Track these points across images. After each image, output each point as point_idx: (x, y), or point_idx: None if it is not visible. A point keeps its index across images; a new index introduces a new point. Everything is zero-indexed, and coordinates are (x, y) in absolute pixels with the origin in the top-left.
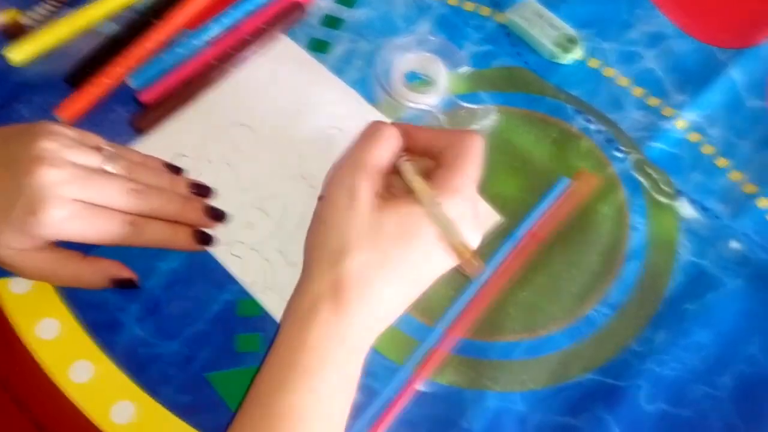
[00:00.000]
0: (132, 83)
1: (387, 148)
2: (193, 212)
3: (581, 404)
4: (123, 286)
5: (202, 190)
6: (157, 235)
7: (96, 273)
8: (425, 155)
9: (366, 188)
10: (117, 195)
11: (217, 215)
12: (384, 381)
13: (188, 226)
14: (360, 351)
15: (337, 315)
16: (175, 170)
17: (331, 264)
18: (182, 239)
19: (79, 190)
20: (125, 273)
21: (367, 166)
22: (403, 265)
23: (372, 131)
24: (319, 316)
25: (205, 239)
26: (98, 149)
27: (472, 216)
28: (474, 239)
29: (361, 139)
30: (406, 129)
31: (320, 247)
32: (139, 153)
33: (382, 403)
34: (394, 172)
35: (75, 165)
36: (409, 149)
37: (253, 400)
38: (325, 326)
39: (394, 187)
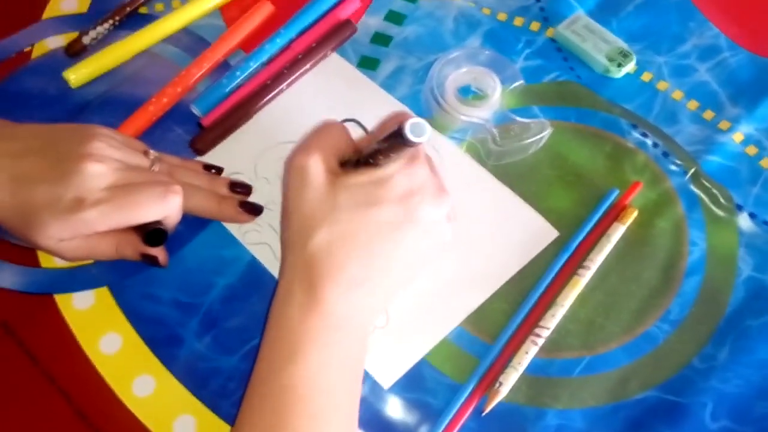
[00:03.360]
0: (196, 110)
1: (333, 134)
2: (228, 209)
3: (642, 422)
4: (150, 261)
5: (241, 189)
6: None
7: (129, 246)
8: None
9: (315, 166)
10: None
11: (254, 209)
12: (443, 399)
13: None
14: (348, 322)
15: (312, 291)
16: (216, 171)
17: (300, 247)
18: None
19: (120, 181)
20: (152, 250)
21: (315, 147)
22: (368, 232)
23: (320, 124)
24: (294, 297)
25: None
26: (143, 152)
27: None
28: (435, 204)
29: (310, 130)
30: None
31: (287, 234)
32: (179, 158)
33: (443, 422)
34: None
35: (119, 162)
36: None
37: (250, 386)
38: (303, 303)
39: (347, 170)
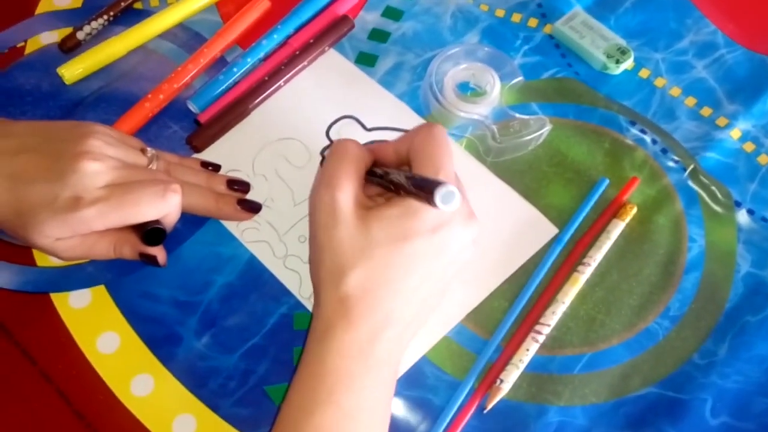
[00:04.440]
0: (193, 107)
1: (354, 159)
2: (226, 206)
3: (643, 418)
4: (148, 261)
5: (239, 186)
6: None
7: (127, 245)
8: (400, 165)
9: (345, 202)
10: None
11: (252, 207)
12: (444, 397)
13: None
14: (384, 363)
15: (350, 331)
16: (213, 168)
17: (334, 285)
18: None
19: (117, 179)
20: (151, 250)
21: (340, 181)
22: (403, 267)
23: (335, 148)
24: (333, 336)
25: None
26: (140, 150)
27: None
28: (465, 233)
29: (328, 158)
30: (371, 147)
31: (320, 271)
32: (177, 155)
33: (445, 419)
34: (374, 191)
35: (116, 160)
36: (383, 164)
37: (279, 424)
38: (341, 344)
39: (375, 199)
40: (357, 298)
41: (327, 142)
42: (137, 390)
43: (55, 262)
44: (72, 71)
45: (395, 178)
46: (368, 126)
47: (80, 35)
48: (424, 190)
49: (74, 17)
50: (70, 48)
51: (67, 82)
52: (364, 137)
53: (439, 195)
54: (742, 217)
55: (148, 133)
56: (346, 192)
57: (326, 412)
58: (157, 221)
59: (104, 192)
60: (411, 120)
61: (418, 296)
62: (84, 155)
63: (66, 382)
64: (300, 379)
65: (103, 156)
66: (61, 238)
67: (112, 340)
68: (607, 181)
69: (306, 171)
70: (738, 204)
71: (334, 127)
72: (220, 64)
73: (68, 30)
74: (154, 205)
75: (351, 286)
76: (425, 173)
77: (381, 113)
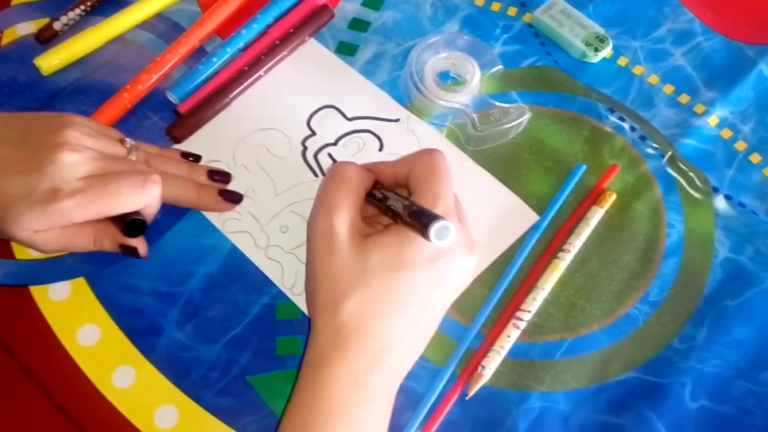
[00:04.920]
0: (172, 97)
1: (353, 186)
2: (208, 197)
3: (624, 402)
4: (129, 252)
5: (220, 176)
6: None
7: (107, 237)
8: (398, 187)
9: (342, 229)
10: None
11: (234, 198)
12: (426, 384)
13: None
14: (378, 396)
15: (345, 362)
16: (194, 159)
17: (330, 313)
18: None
19: (96, 171)
20: (132, 241)
21: (339, 208)
22: (401, 297)
23: (334, 172)
24: (329, 366)
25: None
26: (119, 141)
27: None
28: (466, 262)
29: (327, 182)
30: (370, 166)
31: (315, 298)
32: (156, 146)
33: (427, 407)
34: (372, 211)
35: (95, 151)
36: (382, 185)
37: None
38: (336, 375)
39: (376, 223)
40: (353, 327)
41: (308, 132)
42: (118, 382)
43: (34, 254)
44: (49, 62)
45: (393, 206)
46: (349, 115)
47: (57, 26)
48: (420, 222)
49: (51, 8)
50: (47, 39)
51: (44, 73)
52: (345, 126)
53: (433, 230)
54: (720, 202)
55: (127, 124)
56: (344, 219)
57: None
58: (137, 212)
59: (83, 183)
60: (392, 109)
61: (416, 328)
62: (62, 146)
63: (46, 375)
64: (294, 407)
65: (81, 147)
66: (39, 231)
67: (92, 332)
68: (584, 167)
69: (287, 161)
70: (716, 190)
71: (315, 116)
72: (199, 54)
73: (45, 21)
74: (133, 196)
75: (347, 315)
76: (424, 201)
77: (362, 103)
